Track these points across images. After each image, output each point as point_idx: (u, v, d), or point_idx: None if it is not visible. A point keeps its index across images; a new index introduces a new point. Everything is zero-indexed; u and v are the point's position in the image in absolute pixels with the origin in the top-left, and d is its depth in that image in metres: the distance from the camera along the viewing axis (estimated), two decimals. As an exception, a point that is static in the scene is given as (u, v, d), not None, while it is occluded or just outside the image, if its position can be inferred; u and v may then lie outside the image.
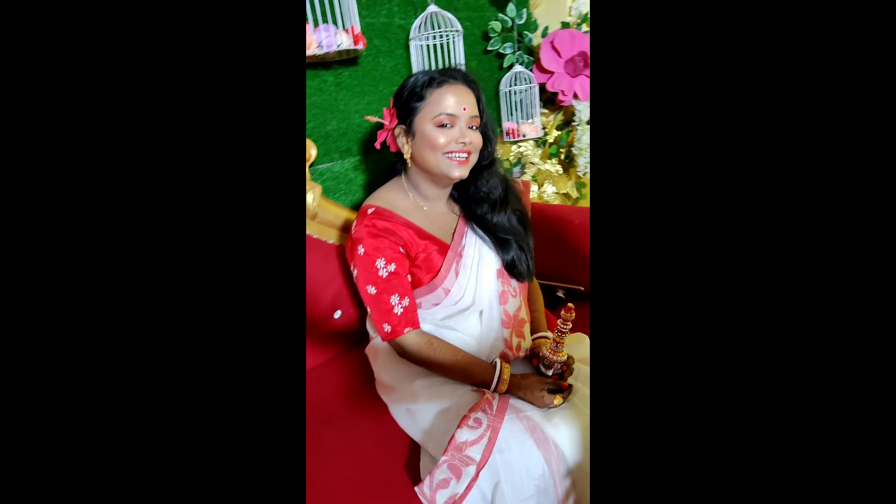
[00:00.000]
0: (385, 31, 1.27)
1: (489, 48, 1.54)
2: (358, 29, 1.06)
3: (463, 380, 0.83)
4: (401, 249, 0.81)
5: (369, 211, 0.83)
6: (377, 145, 0.87)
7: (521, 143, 1.65)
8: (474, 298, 0.85)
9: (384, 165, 1.18)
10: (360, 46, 1.06)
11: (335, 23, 1.04)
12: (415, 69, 1.29)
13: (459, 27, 1.29)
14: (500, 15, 1.51)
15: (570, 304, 0.77)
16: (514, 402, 0.79)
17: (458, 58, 1.33)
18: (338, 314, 1.13)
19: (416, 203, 0.87)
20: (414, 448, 0.84)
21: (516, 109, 1.59)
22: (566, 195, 1.75)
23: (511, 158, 1.67)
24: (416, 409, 0.83)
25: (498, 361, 0.82)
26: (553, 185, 1.74)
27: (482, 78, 1.58)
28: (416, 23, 1.24)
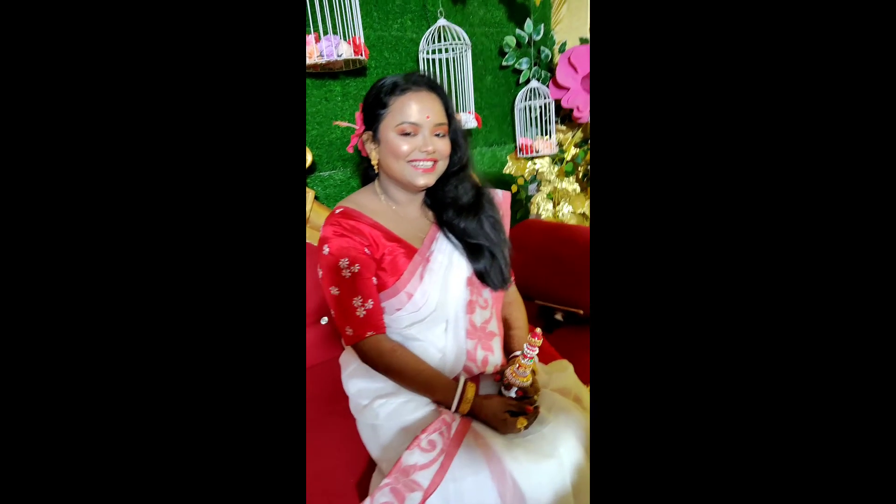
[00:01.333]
0: (396, 44, 1.30)
1: (504, 63, 1.53)
2: (361, 40, 1.08)
3: (424, 393, 0.79)
4: (366, 250, 0.79)
5: (337, 211, 0.82)
6: (349, 149, 0.87)
7: (535, 160, 1.62)
8: (438, 305, 0.81)
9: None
10: (363, 56, 1.08)
11: (337, 33, 1.06)
12: (422, 82, 1.29)
13: (468, 41, 1.29)
14: (518, 31, 1.50)
15: (537, 330, 0.72)
16: (476, 426, 0.74)
17: (467, 72, 1.33)
18: (324, 321, 1.12)
19: (388, 206, 0.85)
20: (372, 465, 0.81)
21: (532, 125, 1.56)
22: (583, 215, 1.69)
23: (526, 175, 1.64)
24: (379, 426, 0.80)
25: (462, 378, 0.78)
26: (570, 203, 1.68)
27: (497, 93, 1.57)
28: (426, 36, 1.26)
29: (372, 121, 0.79)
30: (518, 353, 0.88)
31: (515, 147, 1.61)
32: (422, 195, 0.88)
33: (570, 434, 0.74)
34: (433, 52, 1.29)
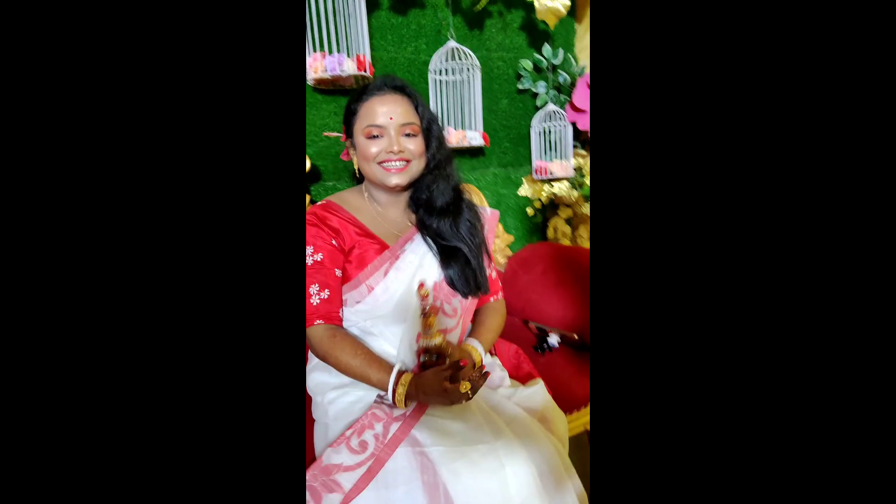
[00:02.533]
0: (409, 66, 1.35)
1: (520, 87, 1.53)
2: (366, 58, 1.14)
3: (361, 379, 0.76)
4: (333, 242, 0.80)
5: (319, 202, 0.85)
6: (343, 157, 0.91)
7: (553, 184, 1.58)
8: (398, 304, 0.80)
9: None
10: (367, 73, 1.14)
11: (340, 51, 1.13)
12: (431, 103, 1.33)
13: (477, 62, 1.32)
14: (536, 55, 1.52)
15: (421, 281, 0.69)
16: (418, 433, 0.70)
17: (476, 94, 1.36)
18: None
19: (370, 205, 0.87)
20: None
21: (549, 148, 1.54)
22: (603, 242, 1.61)
23: (543, 199, 1.61)
24: (328, 425, 0.79)
25: (397, 366, 0.74)
26: (588, 229, 1.62)
27: (514, 116, 1.57)
28: (435, 57, 1.30)
29: (349, 128, 0.83)
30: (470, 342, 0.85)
31: (531, 169, 1.59)
32: (405, 197, 0.89)
33: (522, 454, 0.68)
34: (442, 72, 1.33)
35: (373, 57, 1.28)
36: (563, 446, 0.80)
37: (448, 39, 1.31)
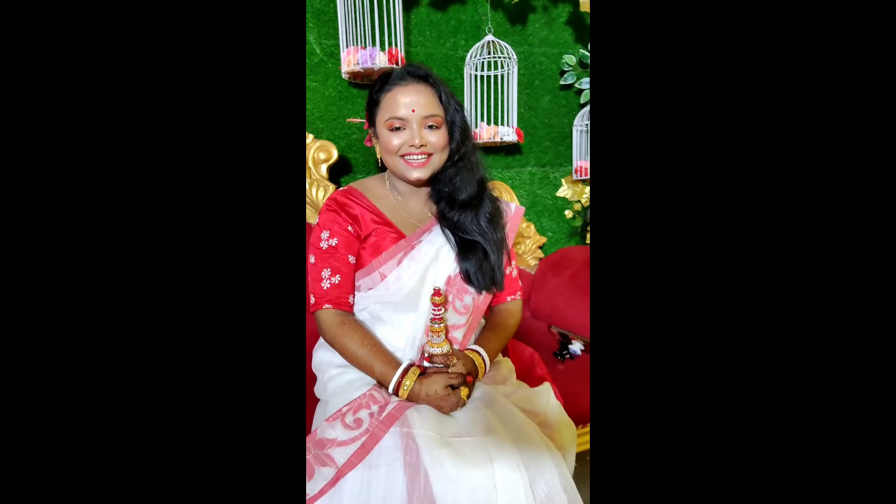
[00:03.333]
0: (446, 61, 1.35)
1: (563, 83, 1.48)
2: (399, 52, 1.15)
3: (365, 370, 0.76)
4: (349, 228, 0.80)
5: (341, 188, 0.86)
6: (367, 143, 0.91)
7: (594, 185, 1.50)
8: (410, 294, 0.78)
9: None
10: (398, 66, 1.14)
11: (374, 45, 1.15)
12: (466, 98, 1.31)
13: (514, 56, 1.29)
14: (582, 51, 1.45)
15: (436, 287, 0.66)
16: (412, 414, 0.69)
17: (513, 88, 1.32)
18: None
19: (391, 194, 0.86)
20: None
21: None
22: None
23: (584, 201, 1.53)
24: (326, 402, 0.79)
25: (406, 361, 0.74)
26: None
27: (556, 114, 1.51)
28: (472, 51, 1.29)
29: (372, 118, 0.82)
30: (474, 347, 0.82)
31: (572, 169, 1.52)
32: (426, 188, 0.88)
33: (512, 453, 0.64)
34: (477, 67, 1.31)
35: (409, 52, 1.29)
36: (565, 456, 0.75)
37: (485, 34, 1.29)
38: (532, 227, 1.41)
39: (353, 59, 1.13)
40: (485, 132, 1.29)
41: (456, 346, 0.82)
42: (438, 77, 0.80)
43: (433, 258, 0.81)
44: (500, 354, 0.96)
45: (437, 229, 0.83)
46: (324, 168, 1.17)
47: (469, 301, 0.82)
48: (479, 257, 0.80)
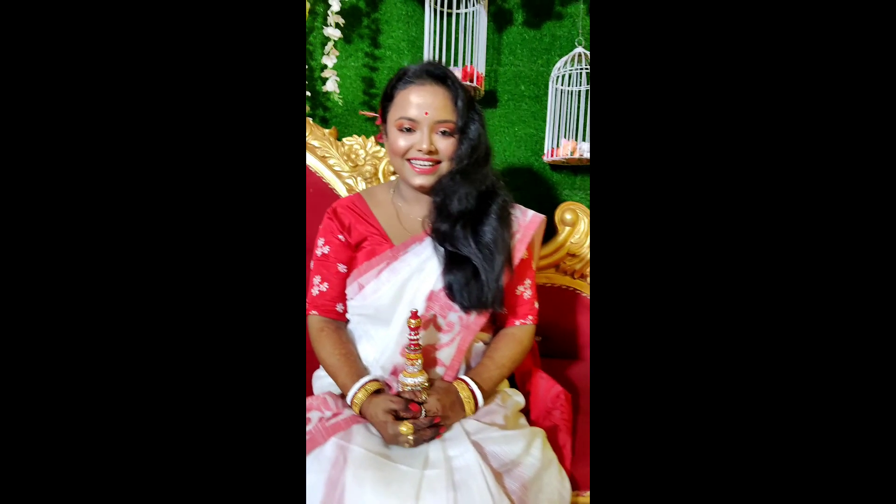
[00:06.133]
0: (537, 78, 1.31)
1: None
2: (474, 69, 1.16)
3: (333, 378, 0.75)
4: (340, 237, 0.80)
5: (351, 195, 0.89)
6: (377, 139, 0.91)
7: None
8: (385, 307, 0.76)
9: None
10: (474, 83, 1.16)
11: (457, 65, 1.19)
12: (549, 113, 1.25)
13: (606, 68, 1.17)
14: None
15: (413, 310, 0.61)
16: (359, 430, 0.67)
17: (604, 101, 1.20)
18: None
19: (392, 201, 0.85)
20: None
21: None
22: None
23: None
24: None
25: (367, 378, 0.72)
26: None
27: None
28: (558, 64, 1.22)
29: (384, 113, 0.80)
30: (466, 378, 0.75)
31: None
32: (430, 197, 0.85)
33: (444, 497, 0.58)
34: (566, 81, 1.24)
35: (498, 71, 1.30)
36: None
37: (576, 46, 1.21)
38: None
39: (431, 78, 1.19)
40: (563, 149, 1.20)
41: (441, 370, 0.77)
42: (459, 80, 0.77)
43: (416, 270, 0.77)
44: (517, 389, 0.86)
45: (427, 241, 0.79)
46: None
47: (454, 319, 0.76)
48: (468, 273, 0.74)
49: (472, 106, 0.78)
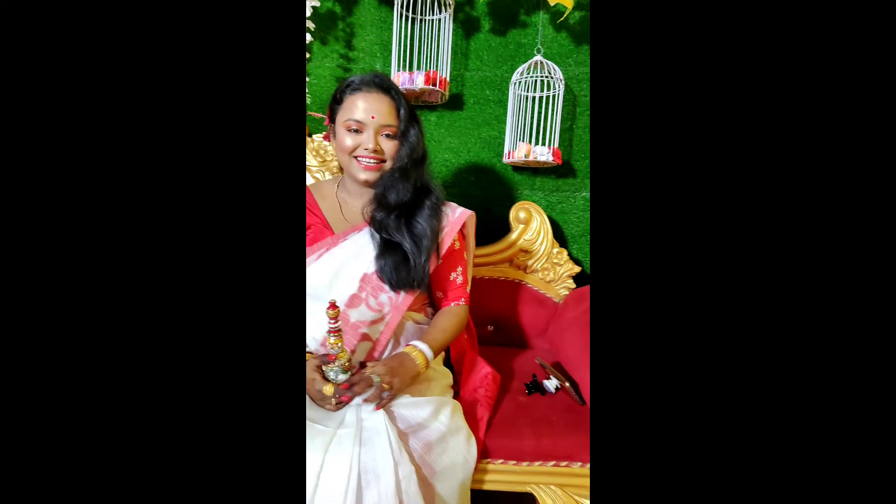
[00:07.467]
0: (501, 83, 1.38)
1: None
2: (437, 74, 1.24)
3: None
4: None
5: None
6: (324, 139, 0.99)
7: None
8: (321, 288, 0.84)
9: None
10: (437, 87, 1.24)
11: (422, 70, 1.27)
12: (509, 117, 1.32)
13: (561, 77, 1.25)
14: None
15: (332, 301, 0.69)
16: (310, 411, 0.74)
17: (557, 109, 1.27)
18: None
19: (336, 194, 0.94)
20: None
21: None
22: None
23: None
24: None
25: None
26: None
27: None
28: (518, 70, 1.29)
29: (332, 114, 0.90)
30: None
31: (634, 200, 1.36)
32: (371, 191, 0.92)
33: (349, 450, 0.66)
34: (528, 87, 1.31)
35: (464, 76, 1.37)
36: (439, 476, 0.71)
37: (535, 55, 1.28)
38: (564, 253, 1.32)
39: (397, 81, 1.27)
40: (519, 151, 1.28)
41: (368, 345, 0.85)
42: (401, 91, 0.87)
43: (352, 256, 0.86)
44: (450, 370, 0.95)
45: (365, 231, 0.88)
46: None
47: (385, 299, 0.85)
48: (398, 257, 0.83)
49: (412, 114, 0.87)
